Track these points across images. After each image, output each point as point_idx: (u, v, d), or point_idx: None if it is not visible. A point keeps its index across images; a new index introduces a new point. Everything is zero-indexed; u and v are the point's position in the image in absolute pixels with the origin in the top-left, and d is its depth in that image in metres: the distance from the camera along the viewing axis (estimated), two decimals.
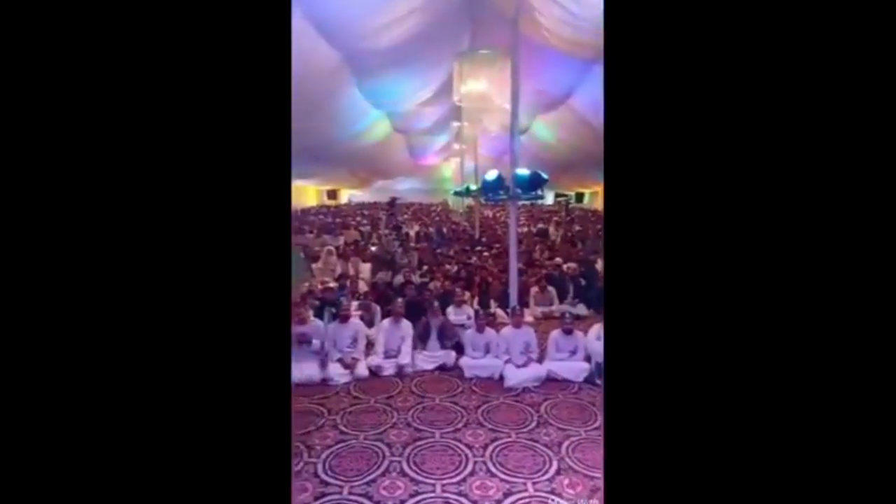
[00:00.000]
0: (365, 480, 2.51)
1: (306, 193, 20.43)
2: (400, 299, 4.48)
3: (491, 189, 4.90)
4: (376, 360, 4.01)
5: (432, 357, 4.11)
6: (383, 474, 2.56)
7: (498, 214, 16.60)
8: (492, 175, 4.88)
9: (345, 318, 4.14)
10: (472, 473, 2.58)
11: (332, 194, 21.85)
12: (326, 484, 2.48)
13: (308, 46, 5.50)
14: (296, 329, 3.90)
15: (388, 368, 3.96)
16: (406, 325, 4.19)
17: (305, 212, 16.20)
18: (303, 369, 3.73)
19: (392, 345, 4.09)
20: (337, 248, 7.84)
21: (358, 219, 13.39)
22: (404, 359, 4.01)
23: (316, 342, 3.88)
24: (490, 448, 2.83)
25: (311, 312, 4.15)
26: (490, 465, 2.66)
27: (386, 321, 4.27)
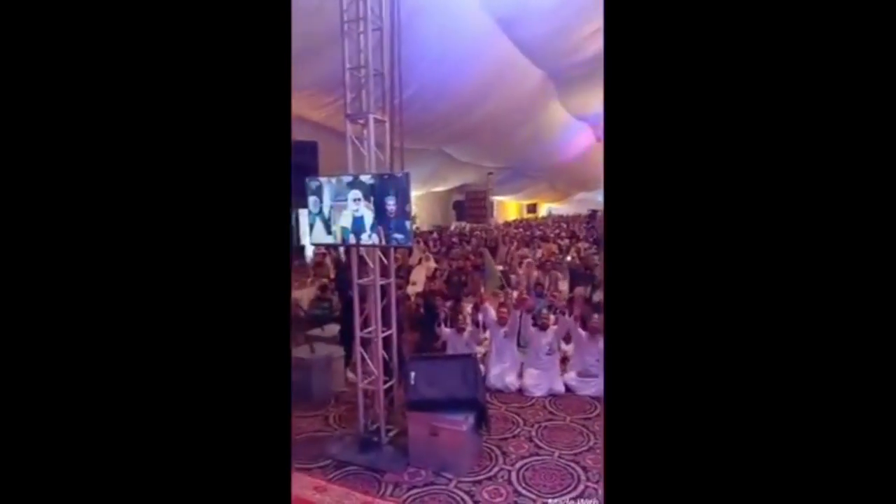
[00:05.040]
0: (559, 500, 2.46)
1: (508, 208, 21.41)
2: (596, 315, 4.23)
3: None
4: (572, 377, 3.90)
5: None
6: (576, 499, 2.47)
7: None
8: None
9: (544, 327, 4.13)
10: None
11: (532, 208, 22.33)
12: (519, 494, 2.53)
13: (514, 68, 5.81)
14: (511, 326, 4.07)
15: (584, 388, 3.80)
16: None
17: (507, 225, 16.94)
18: (503, 378, 3.90)
19: (589, 363, 3.91)
20: (536, 260, 7.95)
21: (557, 231, 13.30)
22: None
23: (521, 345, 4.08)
24: None
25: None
26: None
27: (583, 335, 4.10)
